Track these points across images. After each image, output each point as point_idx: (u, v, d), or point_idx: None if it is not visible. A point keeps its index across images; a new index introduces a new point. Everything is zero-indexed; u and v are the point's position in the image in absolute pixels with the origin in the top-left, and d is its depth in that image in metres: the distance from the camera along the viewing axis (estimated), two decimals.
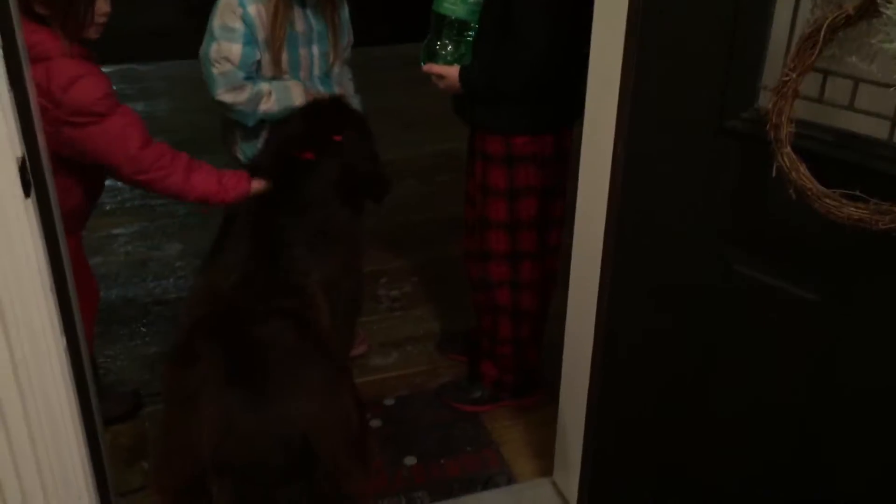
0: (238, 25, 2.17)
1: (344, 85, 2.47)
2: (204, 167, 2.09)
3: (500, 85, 2.12)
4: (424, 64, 2.19)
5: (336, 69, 2.40)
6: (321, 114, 2.25)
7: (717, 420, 1.69)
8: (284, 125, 2.26)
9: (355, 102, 2.49)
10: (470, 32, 2.13)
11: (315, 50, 2.32)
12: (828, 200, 1.29)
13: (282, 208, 1.98)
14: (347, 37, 2.44)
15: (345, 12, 2.42)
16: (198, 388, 1.59)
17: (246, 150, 2.38)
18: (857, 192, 1.26)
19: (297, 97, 2.26)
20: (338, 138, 2.18)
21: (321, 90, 2.36)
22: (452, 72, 2.15)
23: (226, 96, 2.21)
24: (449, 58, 2.15)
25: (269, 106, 2.24)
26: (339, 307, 1.90)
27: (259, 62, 2.23)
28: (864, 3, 1.18)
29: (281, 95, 2.25)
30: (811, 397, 1.52)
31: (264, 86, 2.23)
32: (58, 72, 1.84)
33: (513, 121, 2.21)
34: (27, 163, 1.34)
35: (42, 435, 1.50)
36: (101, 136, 1.92)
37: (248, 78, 2.21)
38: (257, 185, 2.09)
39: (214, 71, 2.19)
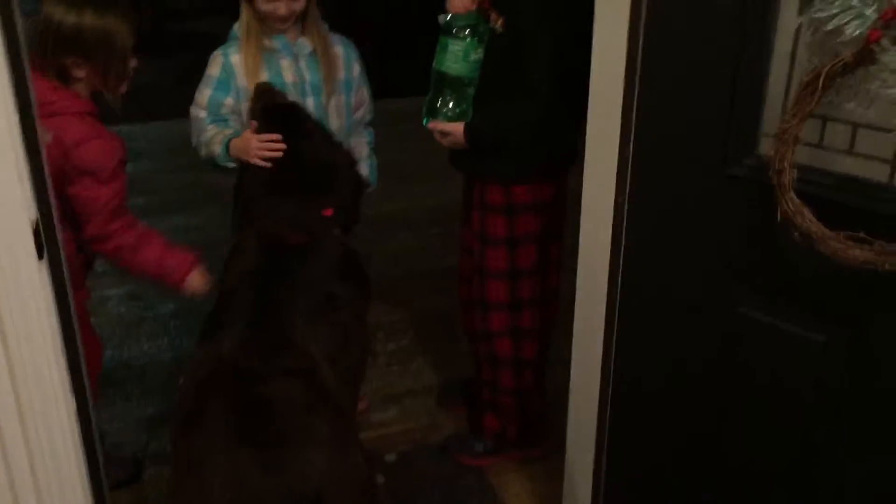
0: (216, 72, 2.28)
1: (357, 147, 2.48)
2: (153, 246, 2.13)
3: (508, 138, 2.16)
4: (426, 121, 2.22)
5: (336, 122, 2.41)
6: (308, 183, 2.13)
7: (731, 467, 1.69)
8: (266, 197, 2.13)
9: (364, 166, 2.48)
10: (471, 89, 2.16)
11: (310, 102, 2.35)
12: (833, 243, 1.31)
13: (279, 287, 1.94)
14: (360, 93, 2.47)
15: (356, 67, 2.45)
16: (208, 451, 1.57)
17: None
18: (862, 234, 1.29)
19: (216, 143, 2.21)
20: (328, 213, 2.11)
21: None
22: (457, 128, 2.18)
23: (193, 141, 2.30)
24: (450, 114, 2.18)
25: (205, 150, 2.26)
26: (341, 373, 1.89)
27: (234, 107, 2.29)
28: (860, 51, 1.22)
29: (209, 141, 2.24)
30: (826, 440, 1.53)
31: (210, 131, 2.26)
32: (74, 129, 1.95)
33: (513, 170, 2.24)
34: (41, 225, 1.35)
35: (52, 500, 1.48)
36: (87, 195, 2.01)
37: (218, 123, 2.27)
38: (197, 283, 2.14)
39: (190, 118, 2.30)
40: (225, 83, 2.27)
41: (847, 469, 1.50)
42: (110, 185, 2.03)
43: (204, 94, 2.28)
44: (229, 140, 2.18)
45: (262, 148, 2.08)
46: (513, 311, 2.37)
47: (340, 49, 2.41)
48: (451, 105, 2.18)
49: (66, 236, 1.97)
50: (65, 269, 1.43)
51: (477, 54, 2.12)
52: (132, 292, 3.60)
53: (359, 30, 3.72)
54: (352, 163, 2.28)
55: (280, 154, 2.09)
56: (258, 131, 2.12)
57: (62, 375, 1.45)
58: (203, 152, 2.27)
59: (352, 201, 2.21)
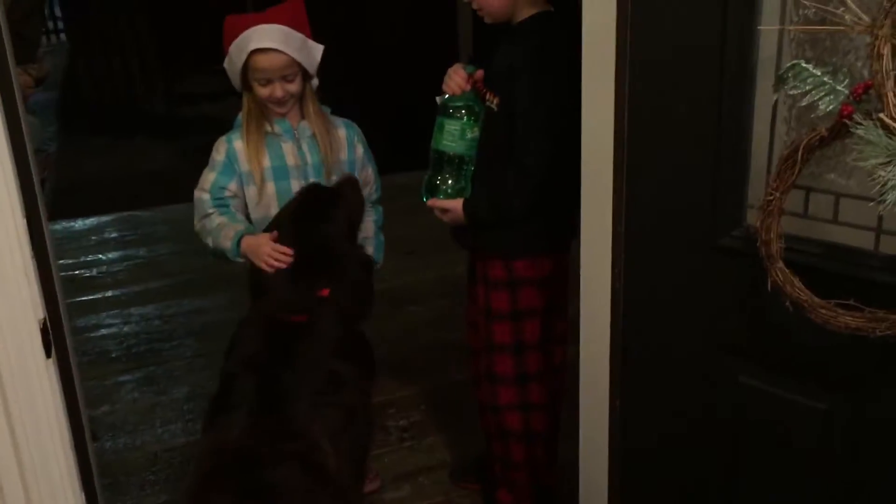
0: (220, 157, 2.34)
1: (363, 225, 2.52)
2: None
3: (504, 213, 2.20)
4: (426, 199, 2.26)
5: None
6: (304, 267, 2.18)
7: None
8: (271, 282, 2.19)
9: (374, 243, 2.54)
10: (469, 166, 2.21)
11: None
12: (823, 311, 1.33)
13: (279, 369, 1.97)
14: (365, 172, 2.53)
15: (359, 148, 2.51)
16: None
17: None
18: (852, 302, 1.31)
19: (227, 238, 2.25)
20: (325, 293, 2.15)
21: None
22: (456, 205, 2.22)
23: (197, 225, 2.35)
24: (450, 191, 2.22)
25: (211, 241, 2.29)
26: (345, 452, 1.90)
27: (237, 192, 2.34)
28: (835, 125, 1.26)
29: (216, 233, 2.28)
30: None
31: (218, 219, 2.29)
32: None
33: (513, 245, 2.27)
34: (48, 324, 1.39)
35: None
36: None
37: (220, 206, 2.31)
38: None
39: (194, 200, 2.35)
40: (228, 168, 2.34)
41: None
42: None
43: (208, 177, 2.34)
44: (241, 236, 2.22)
45: (273, 257, 2.14)
46: (520, 385, 2.38)
47: (343, 130, 2.48)
48: (450, 182, 2.22)
49: None
50: (73, 367, 1.47)
51: (473, 133, 2.18)
52: (145, 377, 3.63)
53: (363, 106, 3.83)
54: (353, 246, 2.32)
55: (287, 265, 2.15)
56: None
57: (71, 471, 1.47)
58: (208, 241, 2.31)
59: (355, 282, 2.24)
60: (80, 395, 1.47)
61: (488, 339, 2.38)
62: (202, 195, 2.34)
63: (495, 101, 2.17)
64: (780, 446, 1.57)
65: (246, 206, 2.38)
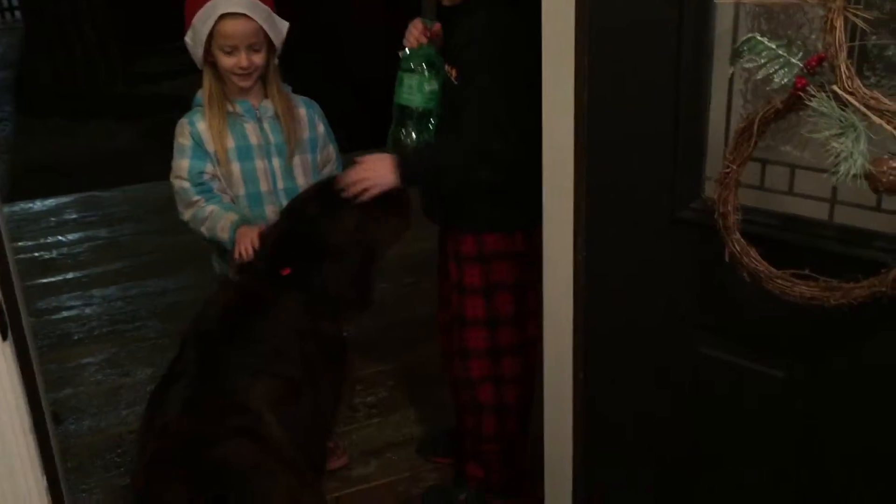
0: (186, 141, 2.30)
1: None
2: None
3: (437, 175, 2.21)
4: (390, 149, 2.27)
5: (302, 181, 2.43)
6: (277, 246, 2.18)
7: (700, 496, 1.71)
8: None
9: None
10: (431, 119, 2.23)
11: (276, 162, 2.38)
12: (779, 281, 1.35)
13: (223, 340, 1.98)
14: (326, 150, 2.51)
15: (321, 126, 2.49)
16: None
17: (216, 265, 2.46)
18: (807, 272, 1.33)
19: (223, 229, 2.24)
20: (286, 272, 2.15)
21: (283, 203, 2.38)
22: (379, 160, 2.20)
23: (185, 215, 2.31)
24: (413, 144, 2.24)
25: (206, 229, 2.28)
26: (293, 424, 1.91)
27: (212, 175, 2.31)
28: (790, 97, 1.27)
29: (211, 223, 2.27)
30: (795, 473, 1.55)
31: (208, 208, 2.28)
32: None
33: (483, 219, 2.28)
34: (3, 307, 1.37)
35: None
36: None
37: (204, 192, 2.28)
38: None
39: (174, 189, 2.31)
40: (199, 150, 2.30)
41: (813, 500, 1.53)
42: None
43: (181, 164, 2.30)
44: (237, 227, 2.22)
45: (245, 248, 2.15)
46: (493, 359, 2.39)
47: (303, 109, 2.46)
48: (413, 136, 2.24)
49: None
50: (31, 350, 1.45)
51: (432, 86, 2.21)
52: (108, 359, 3.59)
53: (326, 85, 3.80)
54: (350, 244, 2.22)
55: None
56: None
57: (31, 454, 1.45)
58: (202, 230, 2.28)
59: (337, 267, 2.19)
60: (38, 378, 1.46)
61: (461, 314, 2.38)
62: (182, 184, 2.29)
63: (453, 74, 2.18)
64: (739, 414, 1.61)
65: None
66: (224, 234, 2.23)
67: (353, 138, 4.69)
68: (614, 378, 1.80)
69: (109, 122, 7.28)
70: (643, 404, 1.75)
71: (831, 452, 1.49)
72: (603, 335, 1.78)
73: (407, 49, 2.23)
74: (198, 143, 2.30)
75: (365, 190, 2.16)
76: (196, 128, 2.31)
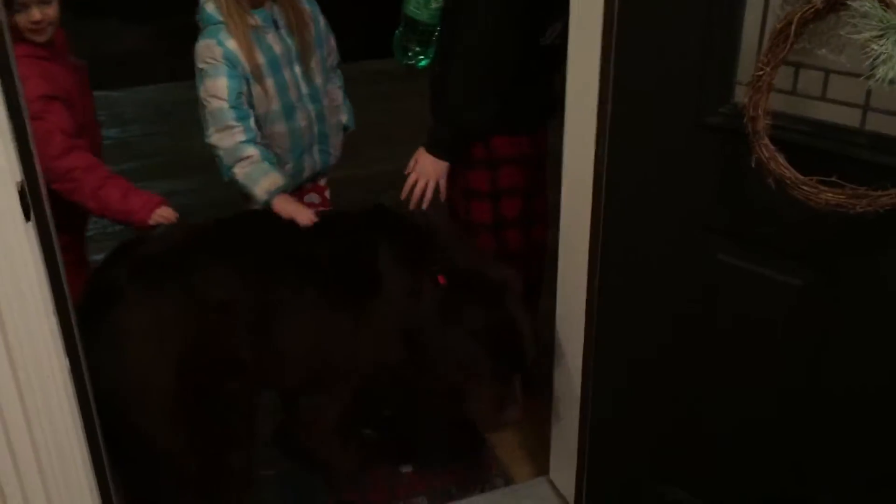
0: (220, 61, 2.17)
1: (332, 94, 2.48)
2: (117, 185, 2.15)
3: (458, 111, 2.20)
4: (398, 57, 2.34)
5: (319, 80, 2.40)
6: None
7: (711, 412, 1.74)
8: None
9: (345, 110, 2.52)
10: (434, 34, 2.30)
11: (297, 69, 2.33)
12: (806, 188, 1.34)
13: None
14: (329, 43, 2.45)
15: (321, 21, 2.43)
16: None
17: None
18: (834, 179, 1.32)
19: (263, 190, 2.13)
20: (441, 279, 1.91)
21: (310, 109, 2.36)
22: (420, 155, 2.27)
23: (214, 137, 2.18)
24: (417, 52, 2.31)
25: (240, 171, 2.16)
26: None
27: (247, 94, 2.22)
28: None
29: (253, 173, 2.15)
30: (806, 385, 1.57)
31: (251, 150, 2.16)
32: None
33: (491, 122, 2.26)
34: (26, 188, 1.36)
35: (49, 455, 1.52)
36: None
37: (241, 118, 2.18)
38: (166, 213, 2.13)
39: (206, 110, 2.19)
40: (234, 70, 2.18)
41: (826, 410, 1.55)
42: (36, 123, 1.99)
43: (219, 83, 2.16)
44: (276, 192, 2.13)
45: (310, 218, 2.06)
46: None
47: (306, 5, 2.38)
48: (417, 48, 2.32)
49: None
50: (52, 230, 1.45)
51: (437, 2, 2.24)
52: None
53: None
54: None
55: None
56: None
57: (55, 337, 1.47)
58: (234, 169, 2.17)
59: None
60: (59, 261, 1.46)
61: (467, 219, 2.38)
62: (220, 104, 2.16)
63: None
64: (753, 323, 1.62)
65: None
66: (262, 194, 2.12)
67: (365, 47, 4.65)
68: (629, 279, 1.80)
69: (119, 22, 7.14)
70: (657, 308, 1.76)
71: (843, 364, 1.51)
72: (620, 240, 1.78)
73: None
74: (232, 63, 2.18)
75: (423, 190, 2.24)
76: (227, 47, 2.17)
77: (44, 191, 1.41)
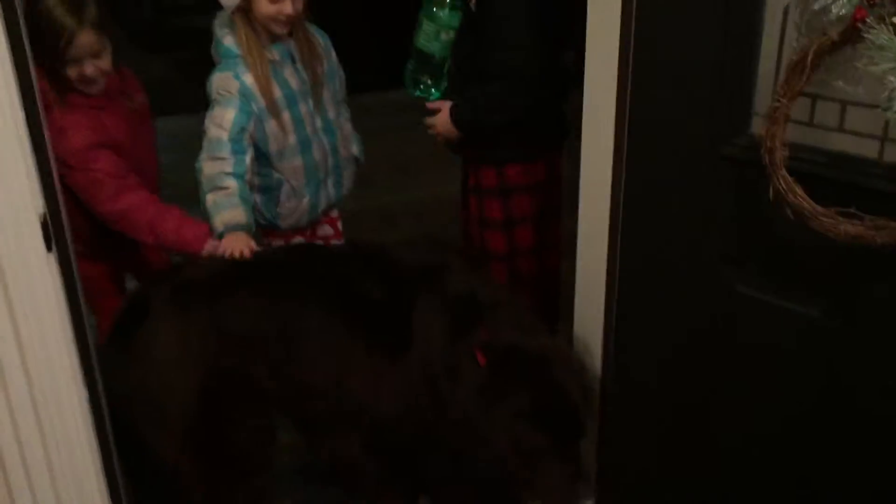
0: (234, 94, 2.19)
1: (342, 126, 2.49)
2: (171, 218, 2.17)
3: (489, 118, 2.23)
4: (409, 88, 2.35)
5: (332, 114, 2.42)
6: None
7: (729, 439, 1.72)
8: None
9: (355, 142, 2.54)
10: (444, 66, 2.32)
11: (311, 103, 2.34)
12: (824, 219, 1.34)
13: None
14: (338, 78, 2.47)
15: (332, 55, 2.44)
16: None
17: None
18: (853, 210, 1.31)
19: (221, 221, 2.11)
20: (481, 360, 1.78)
21: (325, 142, 2.37)
22: (444, 107, 2.29)
23: (203, 162, 2.18)
24: (430, 86, 2.33)
25: (211, 198, 2.15)
26: None
27: (252, 133, 2.22)
28: (847, 29, 1.25)
29: (221, 203, 2.14)
30: (818, 414, 1.55)
31: (230, 182, 2.15)
32: (49, 121, 1.96)
33: (504, 150, 2.29)
34: (48, 219, 1.38)
35: (65, 481, 1.53)
36: (74, 186, 2.08)
37: (235, 153, 2.18)
38: (213, 245, 2.11)
39: (205, 136, 2.20)
40: (246, 106, 2.19)
41: (842, 440, 1.53)
42: (85, 172, 2.08)
43: (226, 113, 2.18)
44: (232, 228, 2.11)
45: (242, 252, 2.05)
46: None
47: (320, 39, 2.40)
48: (428, 81, 2.35)
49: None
50: (72, 260, 1.47)
51: (448, 35, 2.27)
52: None
53: (354, 23, 3.74)
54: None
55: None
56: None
57: (73, 364, 1.49)
58: (206, 194, 2.17)
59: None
60: (79, 289, 1.48)
61: (482, 248, 2.39)
62: (220, 134, 2.18)
63: (473, 2, 2.21)
64: (771, 354, 1.60)
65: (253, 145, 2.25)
66: (219, 225, 2.11)
67: (383, 78, 4.69)
68: (647, 312, 1.79)
69: (139, 53, 7.26)
70: (675, 338, 1.75)
71: (860, 394, 1.49)
72: (638, 269, 1.78)
73: None
74: (246, 98, 2.19)
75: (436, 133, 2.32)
76: (243, 81, 2.19)
77: (65, 222, 1.43)
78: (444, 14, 2.26)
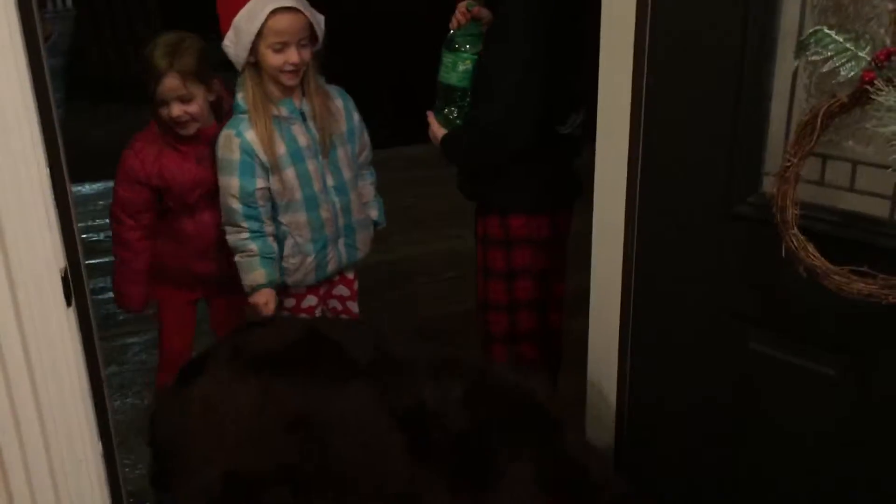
0: (235, 156, 2.23)
1: (363, 189, 2.51)
2: (124, 272, 2.58)
3: (474, 146, 2.25)
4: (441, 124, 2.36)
5: (347, 174, 2.42)
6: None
7: (743, 496, 1.71)
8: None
9: (375, 205, 2.55)
10: (466, 98, 2.31)
11: (323, 160, 2.36)
12: (837, 277, 1.34)
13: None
14: (362, 138, 2.49)
15: (355, 117, 2.47)
16: None
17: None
18: (865, 269, 1.32)
19: (247, 283, 2.31)
20: None
21: (335, 202, 2.38)
22: (438, 133, 2.33)
23: (226, 227, 2.31)
24: (458, 121, 2.31)
25: (239, 259, 2.31)
26: None
27: (264, 190, 2.27)
28: (856, 91, 1.27)
29: (246, 265, 2.30)
30: (840, 472, 1.54)
31: (251, 246, 2.29)
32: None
33: (509, 198, 2.30)
34: (69, 274, 1.40)
35: None
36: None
37: (251, 217, 2.26)
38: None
39: (221, 200, 2.30)
40: (248, 166, 2.24)
41: (861, 500, 1.51)
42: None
43: (231, 182, 2.25)
44: (259, 287, 2.31)
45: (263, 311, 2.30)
46: (511, 344, 2.41)
47: (339, 101, 2.43)
48: (455, 114, 2.33)
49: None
50: (91, 314, 1.48)
51: (465, 65, 2.28)
52: (152, 339, 3.64)
53: (368, 79, 3.79)
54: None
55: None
56: None
57: (89, 418, 1.49)
58: (237, 258, 2.32)
59: None
60: (97, 346, 1.50)
61: (484, 297, 2.40)
62: (231, 202, 2.26)
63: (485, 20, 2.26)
64: (786, 413, 1.59)
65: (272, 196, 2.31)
66: (246, 287, 2.32)
67: (398, 134, 4.75)
68: (660, 372, 1.79)
69: (138, 106, 7.36)
70: (688, 396, 1.74)
71: (878, 454, 1.48)
72: (651, 328, 1.78)
73: (451, 30, 2.30)
74: (248, 155, 2.23)
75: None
76: (245, 138, 2.23)
77: (85, 280, 1.45)
78: (461, 49, 2.27)
